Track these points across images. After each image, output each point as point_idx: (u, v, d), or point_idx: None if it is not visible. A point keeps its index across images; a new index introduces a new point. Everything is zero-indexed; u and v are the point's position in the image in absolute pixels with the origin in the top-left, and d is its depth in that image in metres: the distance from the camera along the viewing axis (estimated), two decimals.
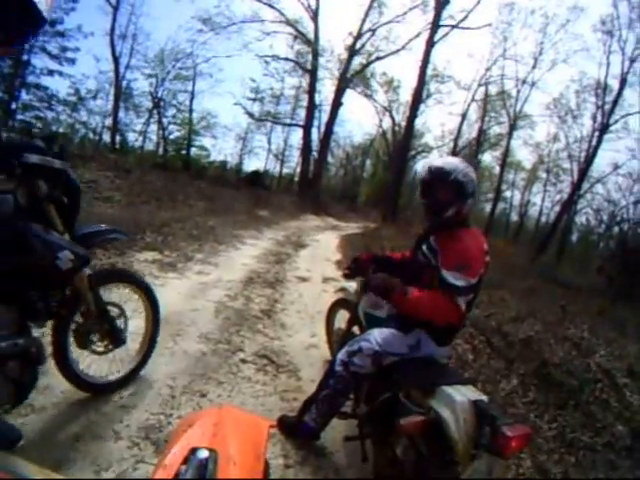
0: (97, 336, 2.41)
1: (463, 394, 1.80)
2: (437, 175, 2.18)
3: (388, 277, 2.17)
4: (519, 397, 3.51)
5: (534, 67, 25.98)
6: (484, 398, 1.84)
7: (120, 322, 2.51)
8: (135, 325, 2.71)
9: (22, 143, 1.80)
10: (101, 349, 2.45)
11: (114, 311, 2.49)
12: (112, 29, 21.85)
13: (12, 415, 2.01)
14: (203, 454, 0.75)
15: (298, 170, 29.55)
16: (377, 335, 2.21)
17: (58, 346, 2.28)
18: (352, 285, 2.96)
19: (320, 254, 9.23)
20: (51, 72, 20.76)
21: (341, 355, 2.27)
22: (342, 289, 3.31)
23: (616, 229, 17.55)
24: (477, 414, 1.73)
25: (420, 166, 2.51)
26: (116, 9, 21.82)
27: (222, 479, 0.73)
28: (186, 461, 0.73)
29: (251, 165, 33.45)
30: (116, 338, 2.48)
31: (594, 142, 21.88)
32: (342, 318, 3.11)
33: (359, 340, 2.25)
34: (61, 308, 2.16)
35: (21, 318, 1.90)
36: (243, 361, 3.33)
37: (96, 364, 2.53)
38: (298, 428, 2.40)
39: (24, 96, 20.58)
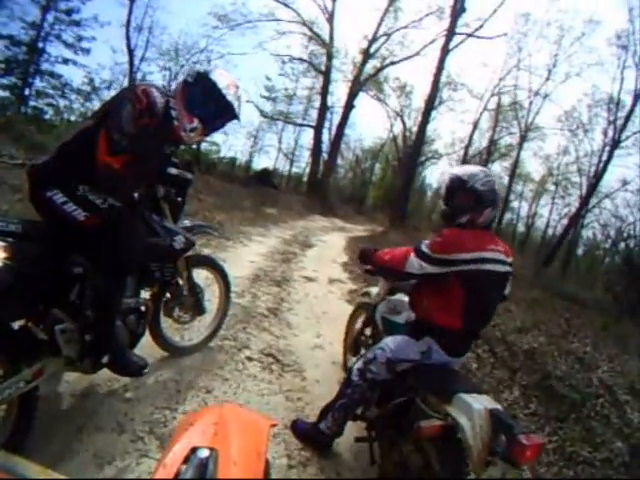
0: (182, 308, 2.98)
1: (480, 402, 1.82)
2: (455, 182, 2.25)
3: (368, 248, 2.68)
4: (521, 408, 3.52)
5: (547, 79, 25.81)
6: (500, 407, 1.86)
7: (201, 298, 3.07)
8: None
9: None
10: (184, 319, 3.03)
11: (199, 288, 3.05)
12: (128, 21, 21.82)
13: None
14: (204, 453, 0.76)
15: (307, 170, 29.66)
16: (390, 342, 2.25)
17: (153, 312, 2.74)
18: (375, 290, 3.01)
19: (327, 255, 9.24)
20: (66, 61, 20.87)
21: (358, 364, 2.33)
22: (365, 293, 3.35)
23: (622, 245, 17.41)
24: (493, 422, 1.75)
25: (444, 174, 2.57)
26: (133, 1, 21.75)
27: (222, 479, 0.73)
28: (187, 460, 0.75)
29: (261, 163, 33.56)
30: (198, 311, 3.07)
31: (604, 157, 21.61)
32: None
33: (374, 349, 2.30)
34: (172, 278, 2.78)
35: (138, 284, 2.52)
36: (249, 359, 3.35)
37: (178, 331, 3.15)
38: (313, 434, 2.44)
39: (38, 83, 20.66)
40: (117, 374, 2.35)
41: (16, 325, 1.98)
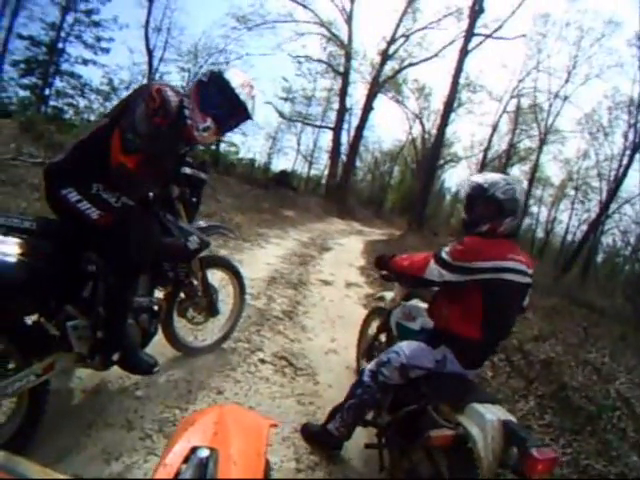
0: (196, 308, 2.99)
1: (493, 413, 1.79)
2: (476, 190, 2.22)
3: (385, 254, 2.68)
4: (535, 419, 3.45)
5: (567, 81, 25.33)
6: (513, 419, 1.83)
7: (215, 298, 3.08)
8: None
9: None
10: (198, 319, 3.05)
11: (213, 289, 3.06)
12: (147, 22, 22.06)
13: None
14: (204, 453, 0.77)
15: (326, 173, 29.60)
16: (405, 348, 2.23)
17: (166, 312, 2.79)
18: (390, 294, 3.01)
19: (344, 258, 9.20)
20: (85, 61, 21.39)
21: (370, 366, 2.32)
22: (380, 298, 3.33)
23: None
24: (506, 434, 1.72)
25: (465, 182, 2.57)
26: (151, 2, 21.95)
27: (222, 479, 0.74)
28: (187, 460, 0.75)
29: (279, 164, 33.68)
30: (212, 311, 3.08)
31: (625, 161, 20.93)
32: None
33: (389, 352, 2.27)
34: (186, 278, 2.81)
35: (151, 283, 2.55)
36: (262, 361, 3.35)
37: (191, 331, 3.22)
38: (321, 436, 2.43)
39: (58, 83, 21.21)
40: (127, 372, 2.38)
41: (29, 320, 2.04)
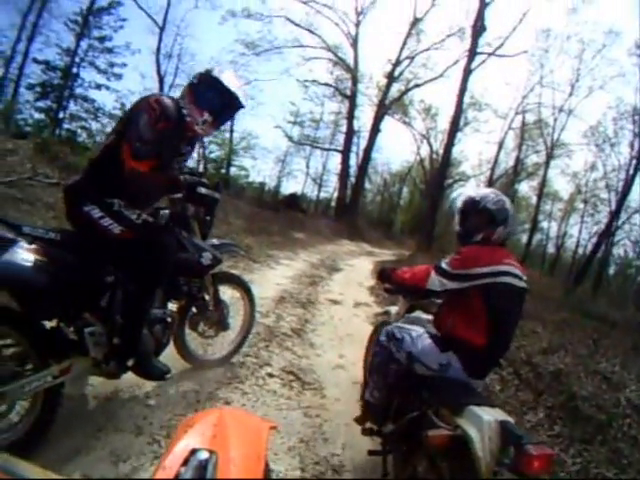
0: (207, 322, 3.11)
1: (491, 414, 1.81)
2: (469, 204, 2.39)
3: (387, 267, 2.83)
4: (544, 430, 3.44)
5: (571, 94, 25.33)
6: (511, 420, 1.85)
7: (226, 314, 3.19)
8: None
9: (196, 181, 2.52)
10: (208, 333, 3.17)
11: (224, 305, 3.19)
12: (158, 49, 22.81)
13: None
14: (203, 455, 0.77)
15: (335, 195, 29.80)
16: (418, 339, 2.32)
17: (178, 324, 2.91)
18: (395, 309, 3.08)
19: (353, 278, 9.21)
20: (99, 86, 22.21)
21: (391, 327, 2.48)
22: (385, 312, 3.38)
23: None
24: (503, 434, 1.74)
25: (458, 197, 2.72)
26: (162, 29, 22.75)
27: None
28: (186, 462, 0.75)
29: (289, 187, 33.74)
30: (222, 326, 3.19)
31: (631, 171, 20.76)
32: None
33: (408, 331, 2.39)
34: (199, 293, 2.94)
35: (166, 296, 2.70)
36: (270, 375, 3.40)
37: (200, 344, 3.27)
38: (367, 411, 2.53)
39: (72, 107, 22.03)
40: (141, 377, 2.49)
41: (49, 325, 2.18)
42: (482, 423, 1.77)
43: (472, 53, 19.78)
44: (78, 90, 22.05)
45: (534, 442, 1.69)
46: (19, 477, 0.68)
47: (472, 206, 2.36)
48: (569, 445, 3.22)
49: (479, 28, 19.39)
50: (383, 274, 2.76)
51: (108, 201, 2.25)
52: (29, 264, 1.95)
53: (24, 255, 1.97)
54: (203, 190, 2.53)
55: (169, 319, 2.72)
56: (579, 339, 6.26)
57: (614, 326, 8.35)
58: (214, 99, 2.45)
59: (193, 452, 0.78)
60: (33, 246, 2.03)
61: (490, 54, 21.99)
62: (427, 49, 25.88)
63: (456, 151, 26.38)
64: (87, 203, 2.23)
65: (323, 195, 34.54)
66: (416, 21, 25.49)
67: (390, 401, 2.38)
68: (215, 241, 3.11)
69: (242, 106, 2.61)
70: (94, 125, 22.08)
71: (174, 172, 2.54)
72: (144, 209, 2.47)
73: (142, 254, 2.29)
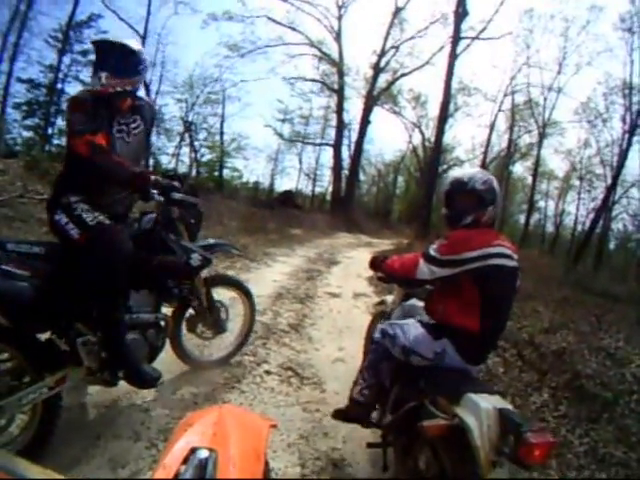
0: (204, 324, 3.11)
1: (489, 402, 1.77)
2: (455, 185, 2.30)
3: (378, 256, 2.75)
4: (550, 411, 3.40)
5: (559, 73, 25.07)
6: (510, 407, 1.81)
7: (223, 316, 3.19)
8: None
9: (169, 185, 2.48)
10: (205, 335, 3.17)
11: (222, 307, 3.21)
12: None
13: None
14: (203, 454, 0.76)
15: (330, 189, 29.73)
16: (409, 331, 2.24)
17: (174, 327, 2.94)
18: (391, 297, 3.03)
19: (352, 270, 9.17)
20: None
21: (383, 325, 2.40)
22: (382, 302, 3.34)
23: None
24: (502, 422, 1.69)
25: (443, 179, 2.64)
26: (144, 38, 22.36)
27: (221, 479, 0.73)
28: (186, 461, 0.75)
29: (283, 185, 33.51)
30: (219, 328, 3.17)
31: (625, 145, 20.77)
32: None
33: (400, 325, 2.31)
34: (190, 294, 2.93)
35: (157, 300, 2.69)
36: (267, 372, 3.38)
37: (199, 346, 3.30)
38: (351, 409, 2.43)
39: (60, 122, 21.70)
40: (132, 386, 2.46)
41: (42, 337, 2.20)
42: (480, 411, 1.73)
43: (456, 38, 19.77)
44: (64, 105, 21.87)
45: (534, 429, 1.62)
46: (19, 477, 0.68)
47: (459, 187, 2.26)
48: (575, 425, 3.19)
49: (461, 13, 19.36)
50: (375, 263, 2.69)
51: (73, 205, 2.25)
52: (14, 280, 1.97)
53: (9, 272, 1.98)
54: (177, 195, 2.52)
55: (162, 323, 2.69)
56: (581, 316, 6.23)
57: (617, 301, 8.33)
58: (106, 59, 2.37)
59: (193, 451, 0.78)
60: (18, 262, 2.05)
61: (474, 38, 21.99)
62: (411, 38, 25.77)
63: (449, 137, 26.48)
64: (58, 211, 2.26)
65: (318, 190, 34.39)
66: (398, 10, 25.30)
67: (386, 396, 2.34)
68: (211, 240, 3.14)
69: (135, 53, 2.44)
70: None
71: (127, 161, 2.40)
72: (112, 205, 2.42)
73: (93, 259, 2.17)
